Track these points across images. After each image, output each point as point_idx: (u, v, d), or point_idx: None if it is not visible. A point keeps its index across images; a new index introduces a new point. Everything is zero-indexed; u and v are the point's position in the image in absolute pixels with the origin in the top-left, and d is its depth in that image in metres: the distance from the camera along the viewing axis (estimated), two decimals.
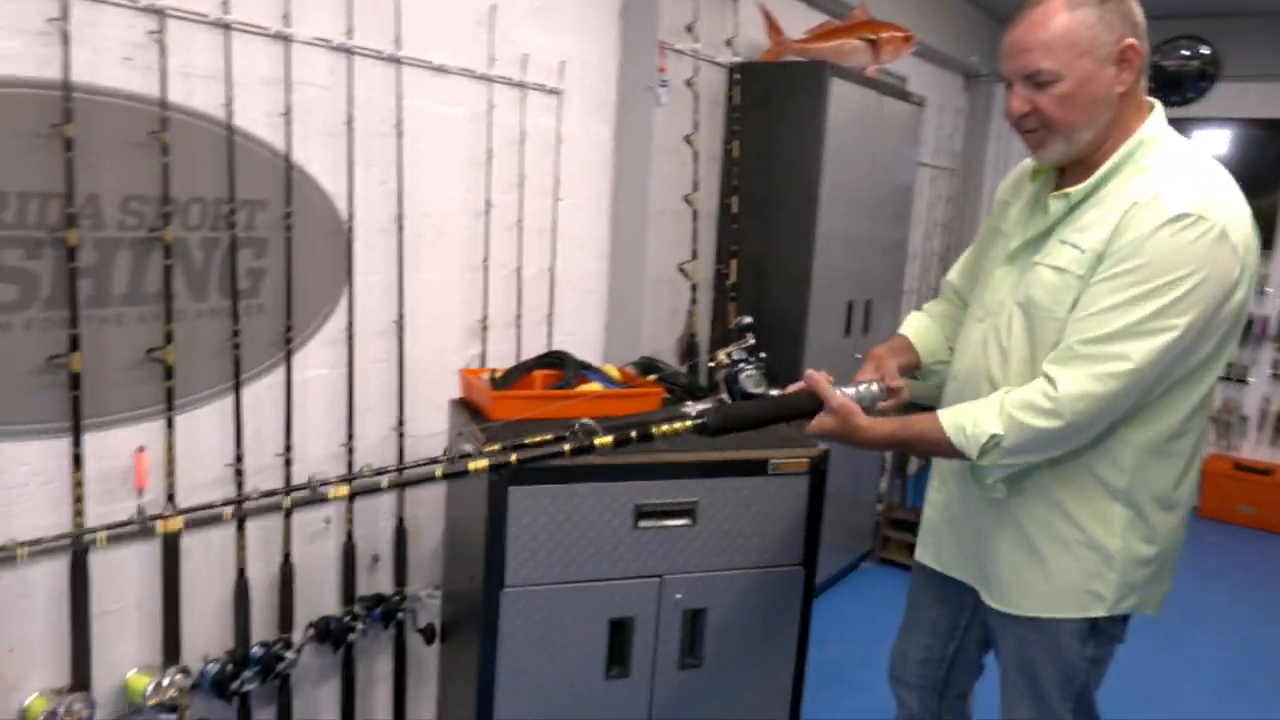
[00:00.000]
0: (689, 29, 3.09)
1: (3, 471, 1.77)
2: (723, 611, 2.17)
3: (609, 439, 1.69)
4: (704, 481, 2.13)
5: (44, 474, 1.84)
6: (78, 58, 1.73)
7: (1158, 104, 1.56)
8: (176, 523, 1.95)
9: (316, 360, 2.33)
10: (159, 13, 1.84)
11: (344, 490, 1.81)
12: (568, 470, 2.00)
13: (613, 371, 2.53)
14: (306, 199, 2.22)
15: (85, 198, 1.79)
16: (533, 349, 2.84)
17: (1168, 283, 1.41)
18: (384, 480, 1.78)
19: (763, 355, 2.36)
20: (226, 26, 1.97)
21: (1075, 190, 1.54)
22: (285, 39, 2.09)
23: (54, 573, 1.87)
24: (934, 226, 5.41)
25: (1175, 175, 1.46)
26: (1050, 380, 1.49)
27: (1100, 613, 1.62)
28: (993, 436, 1.52)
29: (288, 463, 2.24)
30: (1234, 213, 1.44)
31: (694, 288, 3.29)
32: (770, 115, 3.38)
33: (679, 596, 2.13)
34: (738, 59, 3.35)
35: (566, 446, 1.68)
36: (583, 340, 3.12)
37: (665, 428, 1.72)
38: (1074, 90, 1.45)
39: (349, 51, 2.23)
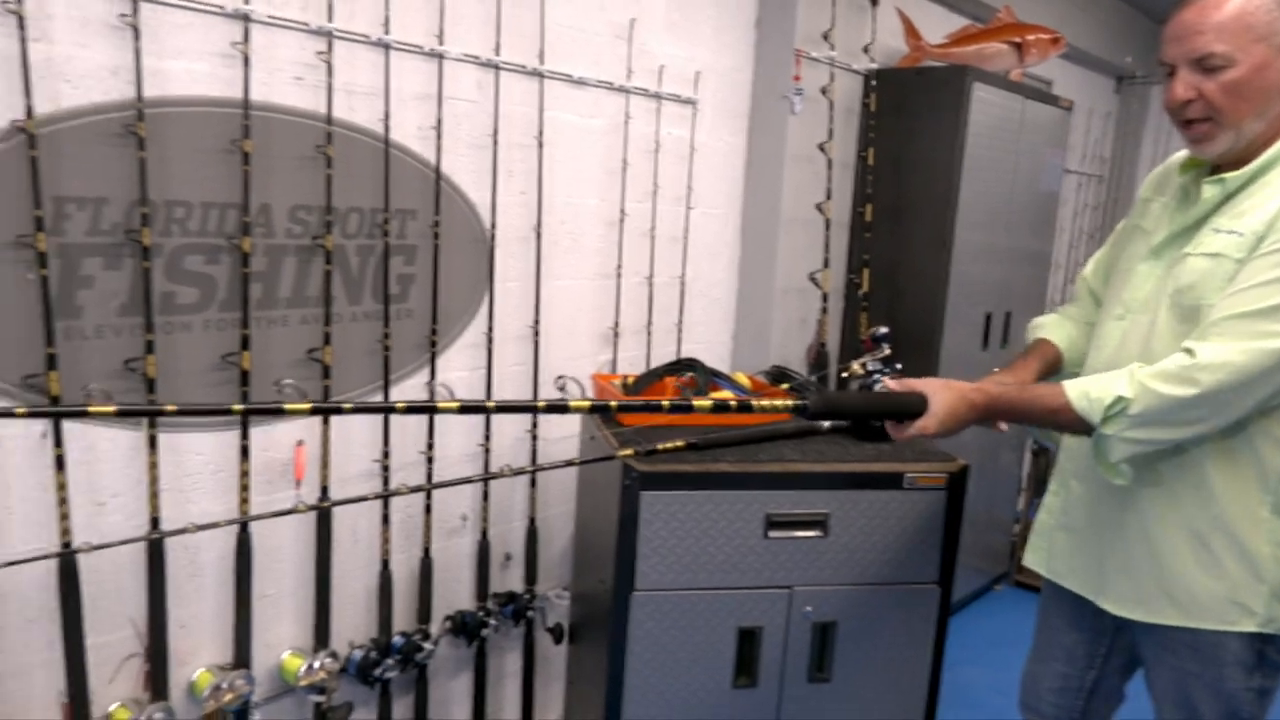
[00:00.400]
0: (825, 36, 3.06)
1: (181, 460, 1.92)
2: (853, 626, 2.13)
3: (708, 402, 1.69)
4: (836, 493, 2.10)
5: (215, 463, 1.99)
6: (255, 78, 1.87)
7: None
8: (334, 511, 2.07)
9: (458, 363, 2.42)
10: (328, 35, 1.97)
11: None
12: (699, 477, 2.01)
13: (743, 379, 2.53)
14: (453, 208, 2.32)
15: (258, 208, 1.93)
16: (662, 356, 2.87)
17: None
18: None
19: (898, 366, 2.31)
20: (386, 46, 2.08)
21: (1232, 176, 1.44)
22: (438, 56, 2.19)
23: (221, 556, 2.01)
24: (1079, 235, 5.16)
25: None
26: (1189, 351, 1.39)
27: (1250, 628, 1.49)
28: (1119, 399, 1.40)
29: (429, 460, 2.33)
30: None
31: (825, 297, 3.24)
32: (908, 122, 3.31)
33: (809, 609, 2.11)
34: (874, 66, 3.29)
35: (665, 402, 1.62)
36: (711, 348, 3.13)
37: (766, 403, 1.67)
38: (1246, 77, 1.37)
39: (496, 67, 2.32)
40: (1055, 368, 1.85)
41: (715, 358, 3.11)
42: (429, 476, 2.32)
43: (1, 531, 1.70)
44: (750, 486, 2.05)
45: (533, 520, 2.64)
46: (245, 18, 1.84)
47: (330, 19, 1.97)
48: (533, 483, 2.62)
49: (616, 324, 2.79)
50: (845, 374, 2.35)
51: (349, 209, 2.11)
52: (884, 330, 2.32)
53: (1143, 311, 1.57)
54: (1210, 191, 1.47)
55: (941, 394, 1.51)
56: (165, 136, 1.77)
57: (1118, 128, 5.49)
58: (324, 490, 2.13)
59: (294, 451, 2.08)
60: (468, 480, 2.38)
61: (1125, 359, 1.54)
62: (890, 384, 1.62)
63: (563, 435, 2.69)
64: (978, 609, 3.92)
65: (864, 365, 2.32)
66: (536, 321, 2.55)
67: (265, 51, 1.90)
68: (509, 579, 2.65)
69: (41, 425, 1.69)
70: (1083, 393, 1.46)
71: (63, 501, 1.72)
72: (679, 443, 2.06)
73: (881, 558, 2.13)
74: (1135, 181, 5.57)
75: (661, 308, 2.91)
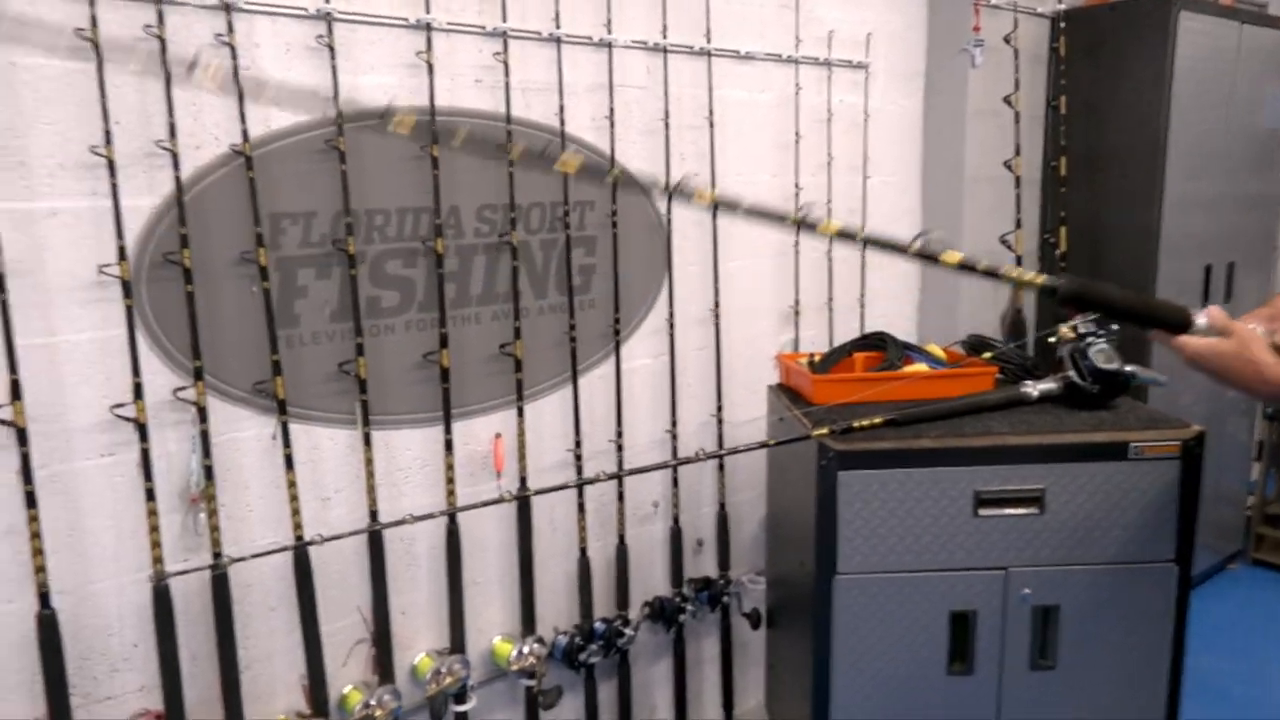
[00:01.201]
0: None
1: (394, 456, 2.03)
2: (1078, 610, 1.98)
3: (957, 256, 1.45)
4: (1051, 467, 1.94)
5: (422, 458, 2.08)
6: (438, 84, 1.93)
7: None
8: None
9: (641, 350, 2.43)
10: (503, 35, 2.01)
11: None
12: (900, 454, 1.92)
13: (937, 351, 2.39)
14: (629, 196, 2.32)
15: (448, 210, 2.00)
16: (845, 332, 2.77)
17: None
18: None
19: (1114, 327, 2.13)
20: (558, 41, 2.11)
21: None
22: (607, 45, 2.20)
23: (433, 546, 2.11)
24: None
25: None
26: None
27: None
28: None
29: (619, 448, 2.35)
30: None
31: (1018, 260, 3.03)
32: (1104, 64, 3.04)
33: (1026, 591, 1.97)
34: (1062, 6, 3.04)
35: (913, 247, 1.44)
36: (895, 321, 3.00)
37: (1015, 274, 1.51)
38: None
39: (664, 50, 2.30)
40: None
41: (900, 331, 2.96)
42: (620, 464, 2.34)
43: (244, 527, 1.85)
44: (956, 462, 1.94)
45: (723, 505, 2.61)
46: (427, 27, 1.90)
47: (504, 19, 2.01)
48: (720, 467, 2.60)
49: (797, 301, 2.72)
50: (1053, 339, 2.19)
51: (531, 204, 2.15)
52: None
53: None
54: None
55: (1236, 340, 1.33)
56: (362, 148, 1.87)
57: None
58: (522, 480, 2.19)
59: (493, 444, 2.14)
60: (661, 466, 2.39)
61: None
62: (1211, 310, 1.38)
63: (748, 418, 2.65)
64: (1211, 590, 3.57)
65: (1074, 329, 2.16)
66: (717, 304, 2.52)
67: (446, 58, 1.96)
68: (702, 564, 2.65)
69: (272, 427, 1.82)
70: None
71: (294, 498, 1.84)
72: (876, 419, 1.97)
73: (1107, 535, 1.96)
74: None
75: (842, 282, 2.81)
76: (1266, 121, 3.42)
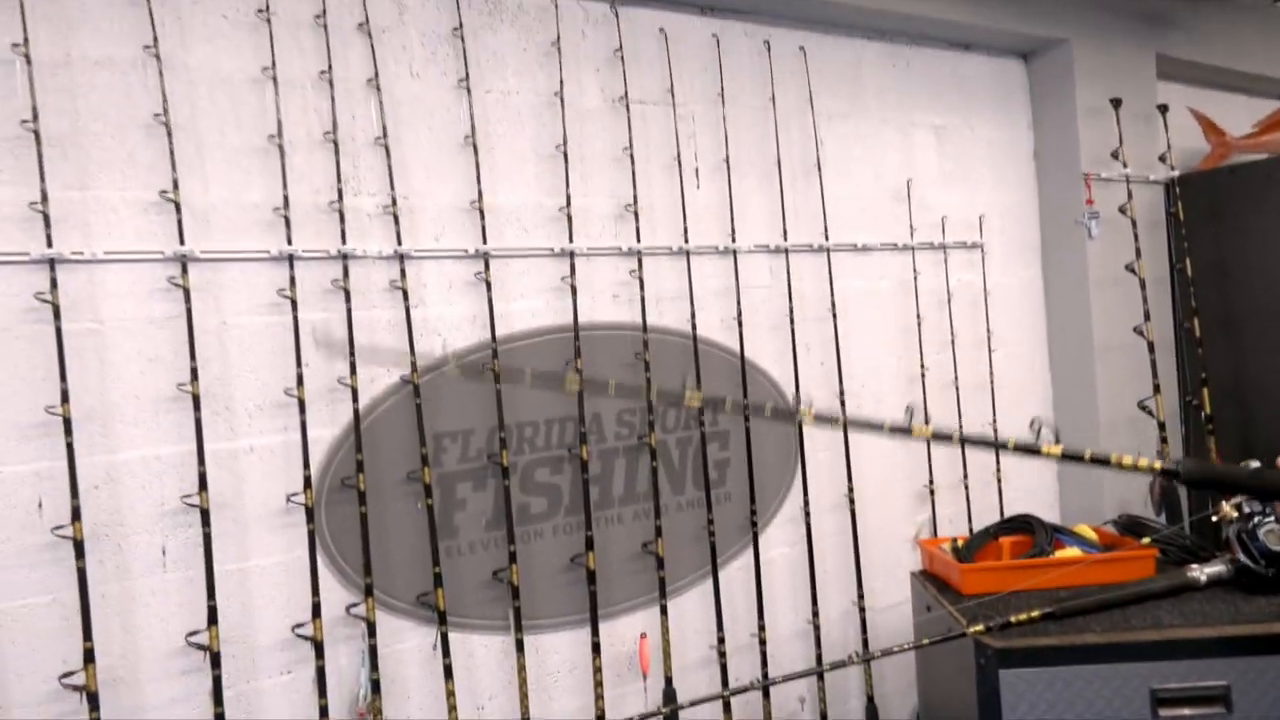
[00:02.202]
0: (1114, 155, 2.92)
1: (544, 660, 2.07)
2: None
3: (1057, 450, 1.48)
4: (1234, 661, 1.82)
5: (571, 661, 2.11)
6: (581, 303, 2.09)
7: None
8: None
9: (778, 539, 2.44)
10: (637, 254, 2.18)
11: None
12: (1065, 650, 1.83)
13: (1089, 533, 2.31)
14: (758, 388, 2.40)
15: (591, 417, 2.12)
16: (981, 509, 2.72)
17: None
18: None
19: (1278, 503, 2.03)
20: (686, 253, 2.26)
21: None
22: (732, 252, 2.34)
23: None
24: None
25: None
26: None
27: None
28: None
29: (762, 642, 2.33)
30: None
31: (1161, 425, 2.94)
32: (1226, 224, 3.02)
33: None
34: (1175, 173, 3.07)
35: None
36: (1034, 495, 2.92)
37: (1129, 462, 1.47)
38: None
39: (785, 251, 2.44)
40: None
41: (1041, 505, 2.89)
42: (764, 660, 2.31)
43: None
44: (1128, 658, 1.84)
45: (870, 699, 2.52)
46: (570, 254, 2.08)
47: (639, 240, 2.18)
48: (867, 660, 2.52)
49: (931, 481, 2.69)
50: (1216, 518, 2.10)
51: (666, 406, 2.25)
52: (1256, 464, 2.06)
53: None
54: None
55: None
56: (514, 366, 2.02)
57: None
58: (668, 680, 2.18)
59: (638, 644, 2.16)
60: (807, 674, 2.33)
61: None
62: None
63: (890, 604, 2.59)
64: None
65: (1238, 506, 2.06)
66: (850, 488, 2.52)
67: (586, 279, 2.13)
68: None
69: (433, 637, 1.90)
70: None
71: (452, 708, 1.89)
72: (1034, 612, 1.91)
73: None
74: None
75: (977, 460, 2.77)
76: None
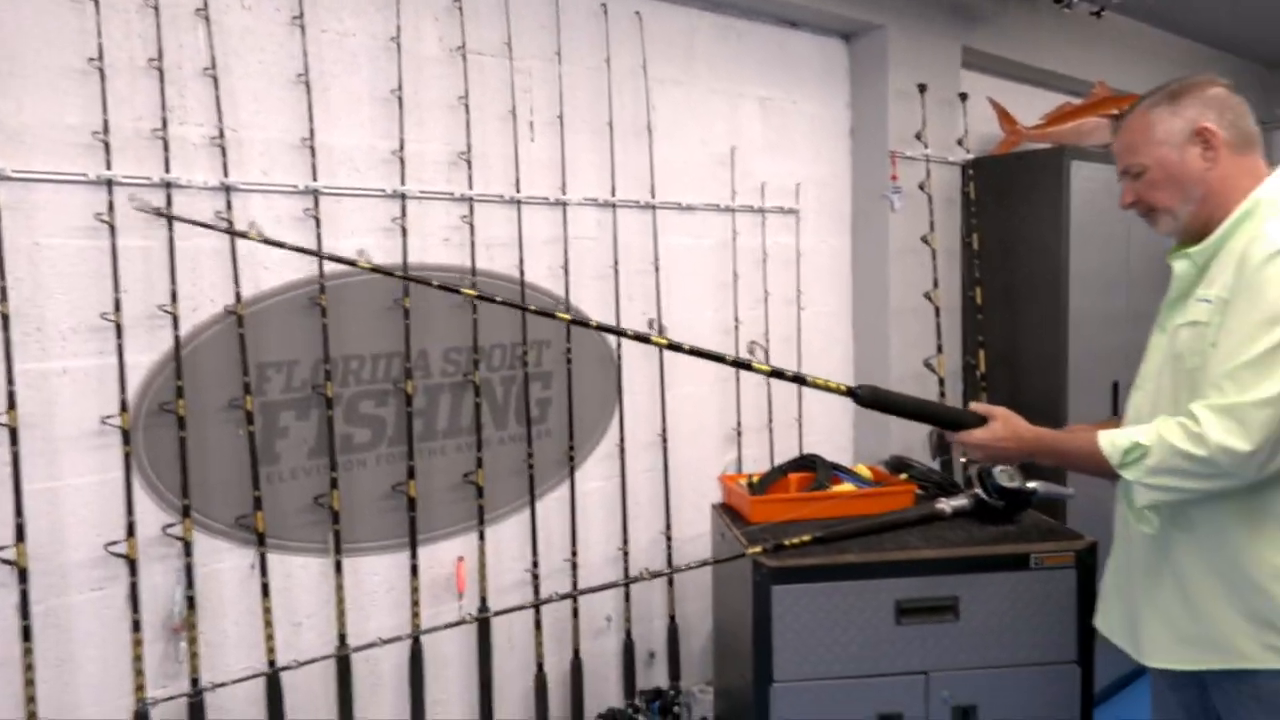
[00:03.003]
0: (918, 136, 3.23)
1: (362, 581, 2.19)
2: (995, 709, 2.16)
3: (766, 368, 1.80)
4: (963, 578, 2.15)
5: (389, 582, 2.24)
6: (411, 244, 2.18)
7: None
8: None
9: (595, 474, 2.64)
10: (469, 200, 2.29)
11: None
12: (828, 569, 2.12)
13: (864, 471, 2.63)
14: (582, 334, 2.57)
15: (418, 353, 2.23)
16: (785, 451, 3.00)
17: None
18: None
19: None
20: (518, 203, 2.38)
21: (1196, 250, 1.61)
22: (562, 204, 2.48)
23: (397, 666, 2.25)
24: None
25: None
26: (1192, 414, 1.49)
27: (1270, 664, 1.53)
28: (1136, 445, 1.54)
29: (574, 566, 2.53)
30: None
31: (941, 381, 3.31)
32: (1010, 205, 3.40)
33: (946, 694, 2.15)
34: (970, 156, 3.42)
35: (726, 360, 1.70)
36: (832, 438, 3.24)
37: (821, 382, 1.75)
38: (1159, 177, 1.60)
39: (613, 206, 2.59)
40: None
41: (837, 448, 3.21)
42: (574, 583, 2.52)
43: (220, 654, 1.99)
44: (879, 575, 2.14)
45: (673, 618, 2.78)
46: (402, 196, 2.17)
47: (471, 187, 2.28)
48: (670, 582, 2.78)
49: (739, 424, 2.95)
50: (965, 459, 2.43)
51: (493, 345, 2.39)
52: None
53: (1152, 380, 1.72)
54: (1180, 266, 1.66)
55: (1000, 421, 1.71)
56: (342, 302, 2.10)
57: None
58: (483, 601, 2.35)
59: (455, 567, 2.31)
60: (611, 585, 2.56)
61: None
62: (975, 405, 1.78)
63: (696, 534, 2.85)
64: (1134, 694, 3.74)
65: None
66: (664, 429, 2.74)
67: (418, 222, 2.23)
68: (654, 675, 2.79)
69: (251, 557, 1.99)
70: (1110, 439, 1.59)
71: (268, 624, 1.99)
72: (805, 537, 2.18)
73: (1017, 639, 2.16)
74: None
75: (781, 405, 3.05)
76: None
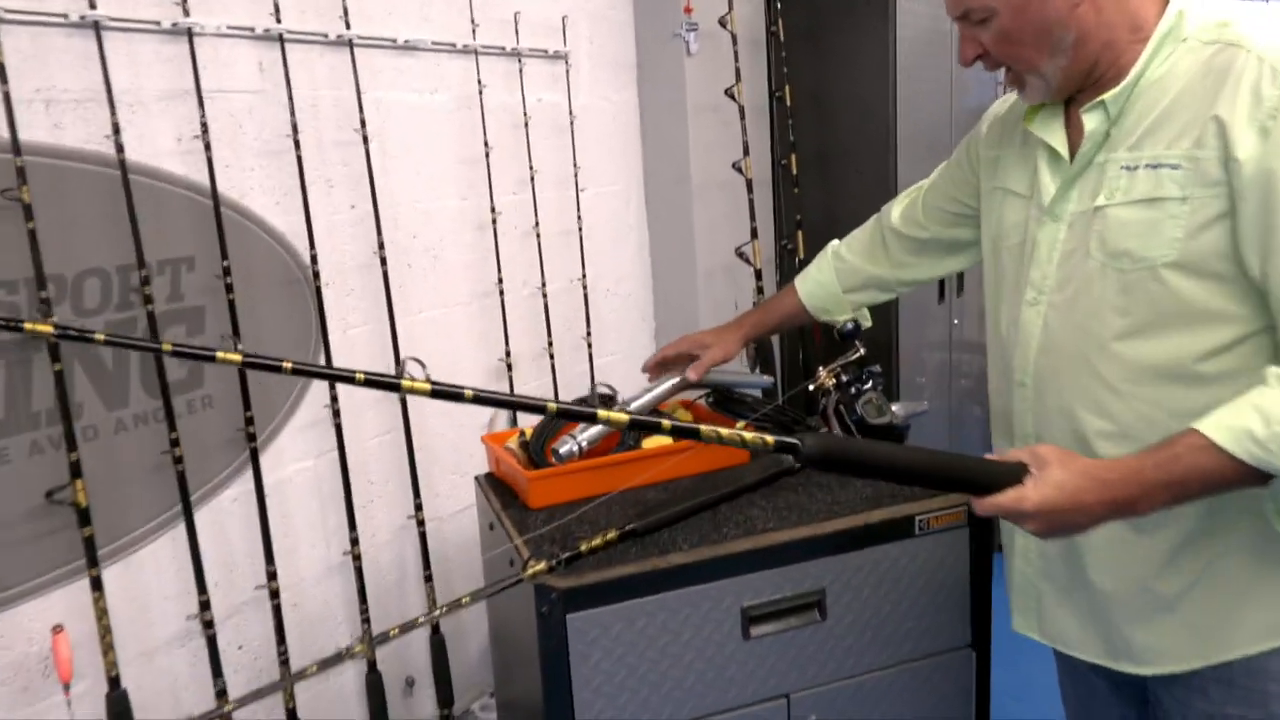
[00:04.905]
0: None
1: None
2: None
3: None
4: (829, 561, 1.54)
5: None
6: None
7: None
8: None
9: (296, 451, 1.79)
10: None
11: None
12: (645, 579, 1.43)
13: (683, 415, 1.95)
14: (248, 245, 1.66)
15: None
16: (572, 379, 2.28)
17: None
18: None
19: (877, 369, 1.78)
20: (96, 25, 1.39)
21: (1111, 95, 1.13)
22: (185, 32, 1.51)
23: None
24: None
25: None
26: None
27: None
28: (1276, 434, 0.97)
29: (274, 593, 1.70)
30: None
31: (758, 273, 2.68)
32: (826, 49, 2.75)
33: (814, 718, 1.57)
34: None
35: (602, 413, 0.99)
36: (631, 359, 2.54)
37: (729, 434, 1.01)
38: (1012, 23, 1.13)
39: (281, 39, 1.65)
40: (796, 323, 1.79)
41: (638, 369, 2.52)
42: (278, 616, 1.69)
43: None
44: (718, 575, 1.48)
45: (436, 628, 2.03)
46: None
47: None
48: (428, 579, 2.01)
49: (508, 353, 2.17)
50: (812, 387, 1.81)
51: (80, 273, 1.44)
52: (850, 326, 1.78)
53: (1061, 290, 1.21)
54: (1089, 121, 1.16)
55: (1056, 465, 1.05)
56: None
57: None
58: (113, 683, 1.47)
59: (51, 640, 1.42)
60: (332, 660, 1.74)
61: (1064, 350, 1.21)
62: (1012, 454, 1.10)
63: (461, 507, 2.08)
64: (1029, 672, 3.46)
65: (836, 374, 1.78)
66: (399, 372, 1.90)
67: None
68: (417, 706, 2.05)
69: None
70: (1243, 432, 0.98)
71: None
72: (610, 534, 1.47)
73: (899, 631, 1.60)
74: None
75: (563, 322, 2.30)
76: (986, 100, 3.32)
